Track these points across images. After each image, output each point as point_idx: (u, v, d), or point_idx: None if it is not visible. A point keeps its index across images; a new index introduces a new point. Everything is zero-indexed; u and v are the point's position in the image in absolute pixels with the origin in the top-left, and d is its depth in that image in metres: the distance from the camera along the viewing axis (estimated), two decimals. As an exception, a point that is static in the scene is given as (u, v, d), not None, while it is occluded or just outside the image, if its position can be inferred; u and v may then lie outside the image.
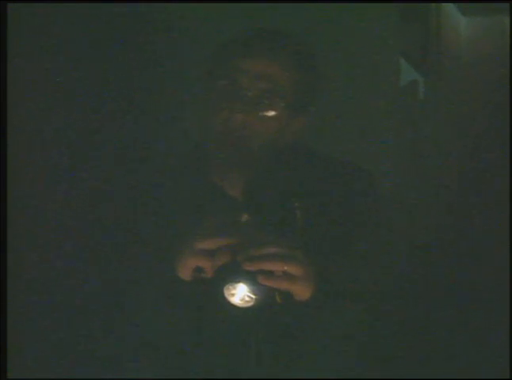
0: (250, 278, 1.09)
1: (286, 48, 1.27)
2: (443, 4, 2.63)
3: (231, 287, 1.09)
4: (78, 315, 1.31)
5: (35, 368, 1.44)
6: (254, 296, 1.09)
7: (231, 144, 1.23)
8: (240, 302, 1.10)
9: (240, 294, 1.10)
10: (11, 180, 1.35)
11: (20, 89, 1.49)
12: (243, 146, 1.23)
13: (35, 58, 1.58)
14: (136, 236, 1.24)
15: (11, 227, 1.35)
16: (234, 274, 1.09)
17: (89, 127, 1.67)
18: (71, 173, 1.58)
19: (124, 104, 1.78)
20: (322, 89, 1.33)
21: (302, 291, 1.13)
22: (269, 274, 1.09)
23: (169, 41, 1.95)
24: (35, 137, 1.57)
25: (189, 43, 1.96)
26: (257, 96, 1.23)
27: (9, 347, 1.26)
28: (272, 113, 1.24)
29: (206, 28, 1.97)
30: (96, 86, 1.70)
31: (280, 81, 1.24)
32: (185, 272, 1.14)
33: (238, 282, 1.09)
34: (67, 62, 1.64)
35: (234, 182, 1.28)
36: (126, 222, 1.26)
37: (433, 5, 2.57)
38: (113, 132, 1.73)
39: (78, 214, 1.43)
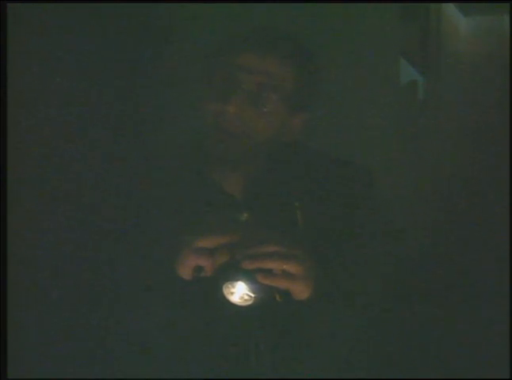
0: (250, 276, 1.09)
1: (284, 44, 1.26)
2: (443, 4, 2.63)
3: (230, 286, 1.09)
4: (77, 315, 1.31)
5: (35, 368, 1.44)
6: (253, 295, 1.09)
7: (229, 140, 1.23)
8: (239, 300, 1.10)
9: (239, 292, 1.10)
10: (11, 180, 1.35)
11: (20, 88, 1.49)
12: (241, 142, 1.23)
13: (35, 58, 1.58)
14: (135, 234, 1.24)
15: (11, 226, 1.35)
16: (233, 272, 1.09)
17: (88, 125, 1.67)
18: (69, 171, 1.58)
19: (123, 102, 1.78)
20: (322, 89, 1.33)
21: (301, 290, 1.13)
22: (269, 272, 1.10)
23: (168, 39, 1.95)
24: (34, 136, 1.57)
25: (188, 41, 1.97)
26: (253, 90, 1.23)
27: (9, 347, 1.26)
28: (268, 108, 1.24)
29: (206, 27, 1.97)
30: (95, 85, 1.70)
31: (276, 76, 1.24)
32: (184, 271, 1.14)
33: (238, 280, 1.09)
34: (67, 61, 1.64)
35: (233, 180, 1.28)
36: (125, 220, 1.26)
37: (433, 5, 2.57)
38: (112, 130, 1.72)
39: (77, 212, 1.43)
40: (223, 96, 1.22)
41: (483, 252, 2.23)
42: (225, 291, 1.10)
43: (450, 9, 2.75)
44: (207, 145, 1.27)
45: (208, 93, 1.26)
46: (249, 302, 1.10)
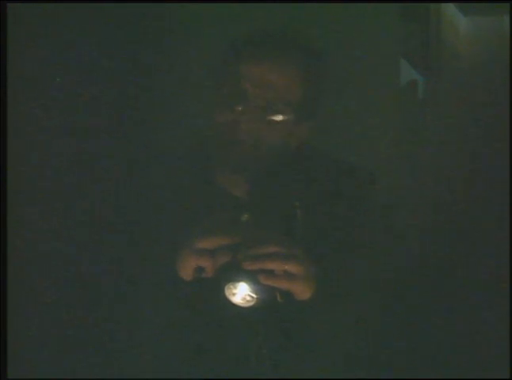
0: (251, 277, 1.08)
1: (295, 55, 1.26)
2: (443, 4, 2.63)
3: (232, 287, 1.09)
4: (77, 315, 1.31)
5: (35, 368, 1.44)
6: (255, 295, 1.09)
7: (234, 147, 1.23)
8: (241, 301, 1.10)
9: (241, 293, 1.10)
10: (11, 180, 1.35)
11: (20, 88, 1.49)
12: (246, 149, 1.23)
13: (35, 58, 1.58)
14: (137, 235, 1.24)
15: (11, 226, 1.35)
16: (235, 273, 1.09)
17: (90, 127, 1.67)
18: (70, 172, 1.58)
19: (127, 104, 1.78)
20: (328, 95, 1.32)
21: (302, 290, 1.13)
22: (270, 273, 1.09)
23: (172, 40, 1.95)
24: (35, 137, 1.57)
25: (192, 43, 1.97)
26: (262, 103, 1.23)
27: (9, 347, 1.26)
28: (276, 120, 1.24)
29: (209, 28, 1.97)
30: (97, 86, 1.70)
31: (286, 89, 1.24)
32: (185, 272, 1.14)
33: (239, 281, 1.09)
34: (67, 61, 1.64)
35: (237, 183, 1.28)
36: (127, 221, 1.26)
37: (433, 5, 2.56)
38: (116, 131, 1.73)
39: (78, 213, 1.43)
40: (230, 108, 1.22)
41: (483, 252, 2.22)
42: (227, 292, 1.09)
43: (450, 9, 2.74)
44: (211, 149, 1.27)
45: (216, 101, 1.26)
46: (251, 303, 1.10)
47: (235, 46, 1.28)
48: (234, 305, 1.10)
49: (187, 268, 1.13)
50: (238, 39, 1.28)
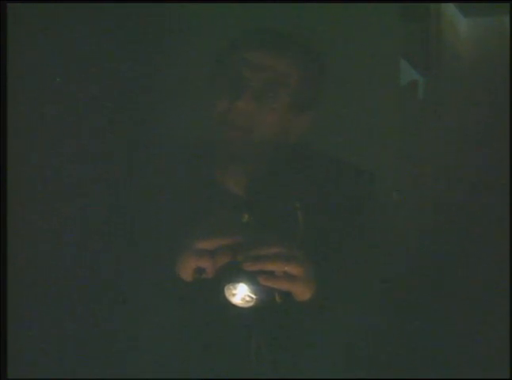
0: (251, 278, 1.09)
1: (292, 43, 1.27)
2: (443, 4, 2.63)
3: (231, 287, 1.09)
4: (78, 316, 1.31)
5: (35, 368, 1.44)
6: (254, 296, 1.09)
7: (235, 136, 1.23)
8: (241, 302, 1.10)
9: (241, 294, 1.10)
10: (11, 180, 1.35)
11: (20, 88, 1.49)
12: (247, 138, 1.23)
13: (35, 58, 1.58)
14: (137, 236, 1.24)
15: (11, 226, 1.35)
16: (234, 274, 1.09)
17: (89, 125, 1.67)
18: (69, 172, 1.58)
19: (127, 104, 1.78)
20: (327, 88, 1.33)
21: (302, 292, 1.13)
22: (270, 274, 1.09)
23: (170, 39, 1.95)
24: (35, 137, 1.57)
25: (192, 43, 1.97)
26: (261, 87, 1.23)
27: (9, 347, 1.26)
28: (275, 105, 1.24)
29: (209, 28, 1.98)
30: (96, 85, 1.70)
31: (284, 74, 1.24)
32: (185, 272, 1.14)
33: (239, 282, 1.09)
34: (67, 61, 1.64)
35: (236, 177, 1.28)
36: (127, 221, 1.26)
37: (433, 5, 2.56)
38: (113, 131, 1.72)
39: (79, 213, 1.43)
40: (231, 92, 1.23)
41: (483, 253, 2.23)
42: (226, 293, 1.10)
43: (450, 9, 2.74)
44: (210, 144, 1.27)
45: (216, 89, 1.27)
46: (250, 304, 1.10)
47: (238, 35, 1.29)
48: (233, 306, 1.10)
49: (187, 269, 1.13)
50: (239, 31, 1.30)
